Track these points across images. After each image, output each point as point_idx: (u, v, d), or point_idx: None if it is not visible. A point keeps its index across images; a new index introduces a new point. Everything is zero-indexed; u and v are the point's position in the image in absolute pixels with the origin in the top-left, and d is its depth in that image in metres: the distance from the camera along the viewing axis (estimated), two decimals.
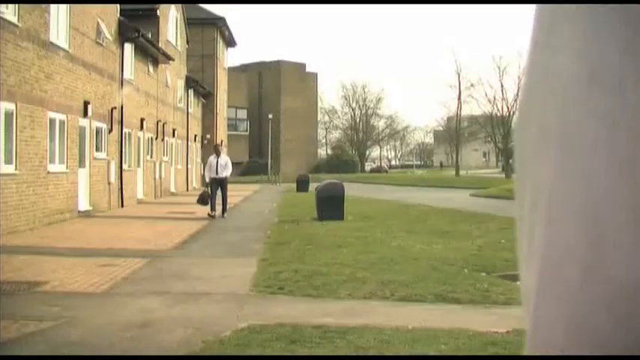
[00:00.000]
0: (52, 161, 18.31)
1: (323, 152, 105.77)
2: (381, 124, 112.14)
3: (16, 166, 15.93)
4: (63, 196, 19.13)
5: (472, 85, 71.95)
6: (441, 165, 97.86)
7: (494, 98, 69.78)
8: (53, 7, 18.27)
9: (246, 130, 78.72)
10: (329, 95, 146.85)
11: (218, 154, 20.91)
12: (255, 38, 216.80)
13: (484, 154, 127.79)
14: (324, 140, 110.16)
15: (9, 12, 15.52)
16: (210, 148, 50.07)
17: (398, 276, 10.00)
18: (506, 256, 12.28)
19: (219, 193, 20.65)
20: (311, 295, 8.78)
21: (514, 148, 0.61)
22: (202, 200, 20.54)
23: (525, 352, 0.56)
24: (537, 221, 0.55)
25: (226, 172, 20.73)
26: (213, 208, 20.32)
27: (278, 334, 6.61)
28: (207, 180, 20.91)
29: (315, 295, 8.81)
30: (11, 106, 15.70)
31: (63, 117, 19.13)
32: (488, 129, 72.20)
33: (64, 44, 19.23)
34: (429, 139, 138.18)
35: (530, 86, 0.59)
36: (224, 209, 20.97)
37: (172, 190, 36.68)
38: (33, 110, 16.86)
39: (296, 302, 8.39)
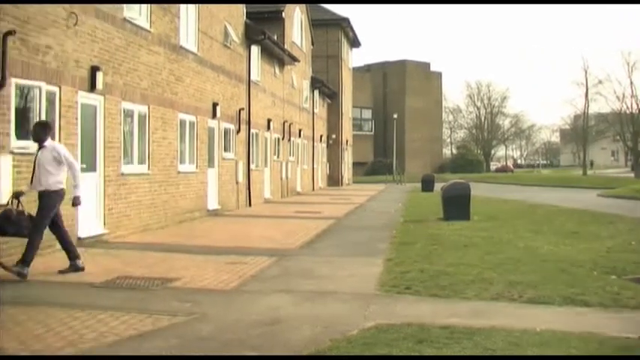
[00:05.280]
0: (182, 161, 18.84)
1: (448, 152, 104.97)
2: (506, 123, 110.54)
3: (148, 166, 16.47)
4: (193, 195, 19.64)
5: (600, 81, 69.79)
6: (592, 164, 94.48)
7: (623, 95, 67.52)
8: (183, 12, 18.79)
9: (371, 130, 78.88)
10: (453, 94, 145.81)
11: (40, 143, 10.27)
12: (379, 38, 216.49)
13: (612, 153, 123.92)
14: (448, 140, 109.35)
15: (141, 18, 16.07)
16: (336, 148, 50.51)
17: (525, 277, 9.78)
18: (636, 258, 11.82)
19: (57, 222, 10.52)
20: (437, 295, 8.69)
21: None
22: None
23: None
24: None
25: (50, 178, 10.17)
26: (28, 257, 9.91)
27: (405, 333, 6.56)
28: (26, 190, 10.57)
29: (442, 295, 8.72)
30: (144, 109, 16.24)
31: (192, 118, 19.64)
32: (617, 127, 69.92)
33: (193, 48, 19.75)
34: (555, 138, 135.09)
35: None
36: (24, 256, 9.83)
37: (298, 189, 37.11)
38: (164, 112, 17.39)
39: (422, 302, 8.31)
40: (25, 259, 9.84)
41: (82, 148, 13.25)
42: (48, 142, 10.25)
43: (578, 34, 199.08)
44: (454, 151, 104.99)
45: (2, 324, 7.01)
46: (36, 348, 6.17)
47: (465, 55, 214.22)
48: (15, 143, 10.99)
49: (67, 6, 12.55)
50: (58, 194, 10.26)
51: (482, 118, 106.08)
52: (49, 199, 10.15)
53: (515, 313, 7.68)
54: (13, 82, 10.96)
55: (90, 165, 13.69)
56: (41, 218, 10.14)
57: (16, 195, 10.25)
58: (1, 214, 9.98)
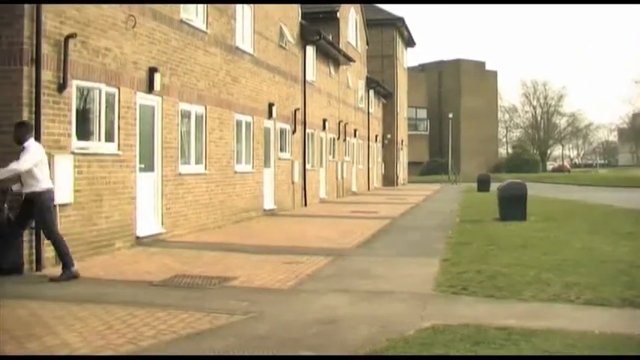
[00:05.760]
0: (238, 161, 18.98)
1: (503, 151, 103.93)
2: (562, 122, 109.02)
3: (205, 166, 16.62)
4: (249, 195, 19.76)
5: None
6: None
7: None
8: (239, 13, 18.93)
9: (426, 130, 78.52)
10: (509, 93, 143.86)
11: (20, 145, 9.61)
12: (433, 37, 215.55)
13: None
14: (504, 139, 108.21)
15: (198, 19, 16.23)
16: (392, 148, 50.39)
17: (583, 278, 9.61)
18: None
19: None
20: (494, 296, 8.60)
21: None
22: None
23: None
24: None
25: (30, 180, 9.62)
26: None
27: (462, 334, 6.51)
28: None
29: (499, 296, 8.63)
30: (201, 109, 16.39)
31: (249, 118, 19.77)
32: None
33: (249, 49, 19.88)
34: (613, 137, 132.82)
35: None
36: (63, 264, 9.81)
37: (354, 189, 37.10)
38: (221, 113, 17.54)
39: (479, 303, 8.24)
40: (66, 265, 9.73)
41: (141, 149, 13.43)
42: (27, 143, 9.56)
43: (636, 33, 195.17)
44: (510, 150, 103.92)
45: (62, 320, 7.16)
46: (97, 344, 6.27)
47: (521, 53, 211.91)
48: (76, 144, 11.21)
49: (125, 8, 12.74)
50: (46, 195, 9.71)
51: (539, 118, 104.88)
52: (39, 201, 9.66)
53: (573, 315, 7.56)
54: (74, 84, 11.18)
55: (148, 165, 13.87)
56: (44, 223, 9.81)
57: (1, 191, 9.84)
58: None
